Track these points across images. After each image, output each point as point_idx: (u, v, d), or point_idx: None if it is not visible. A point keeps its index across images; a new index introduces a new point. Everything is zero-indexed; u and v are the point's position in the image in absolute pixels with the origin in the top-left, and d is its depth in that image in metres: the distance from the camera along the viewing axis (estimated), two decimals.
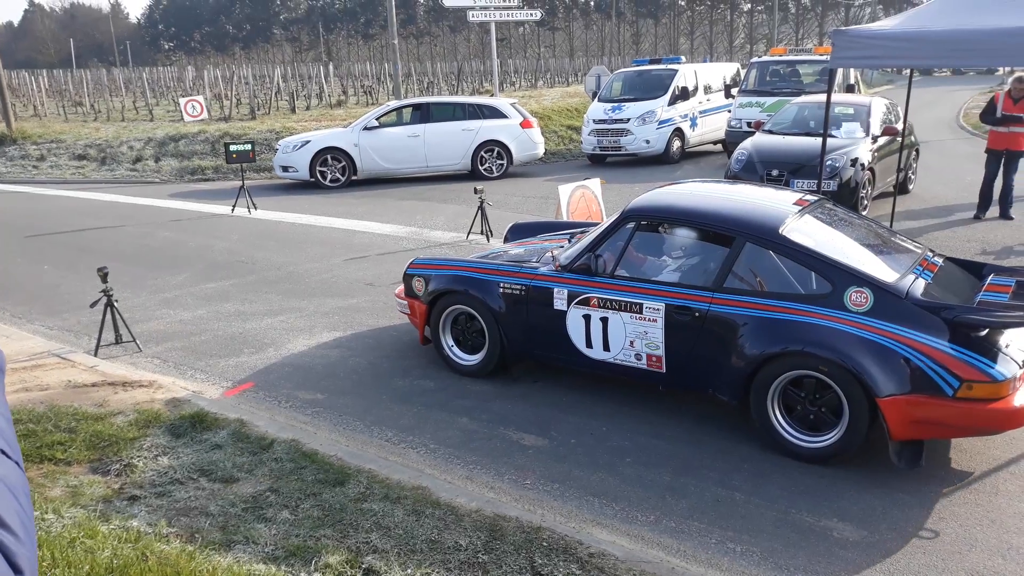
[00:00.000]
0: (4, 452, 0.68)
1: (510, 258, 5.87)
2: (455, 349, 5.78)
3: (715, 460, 4.38)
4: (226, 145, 12.69)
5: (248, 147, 12.54)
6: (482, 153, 15.11)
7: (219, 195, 14.39)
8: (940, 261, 4.89)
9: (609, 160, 17.21)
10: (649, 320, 4.72)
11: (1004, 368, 3.88)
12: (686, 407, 5.01)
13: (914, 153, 12.20)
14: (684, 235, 5.04)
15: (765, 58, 17.58)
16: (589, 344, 5.02)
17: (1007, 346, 4.04)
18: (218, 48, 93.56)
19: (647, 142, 16.29)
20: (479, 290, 5.45)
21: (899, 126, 10.93)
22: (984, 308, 4.11)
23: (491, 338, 5.50)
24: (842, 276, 4.25)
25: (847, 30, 7.04)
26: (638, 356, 4.83)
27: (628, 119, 16.33)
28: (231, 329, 6.95)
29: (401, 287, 6.08)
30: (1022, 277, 4.67)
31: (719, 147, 17.80)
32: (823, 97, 8.70)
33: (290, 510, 3.76)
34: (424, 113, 15.16)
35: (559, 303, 5.10)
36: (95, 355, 6.26)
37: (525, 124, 15.43)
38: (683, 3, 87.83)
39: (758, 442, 4.51)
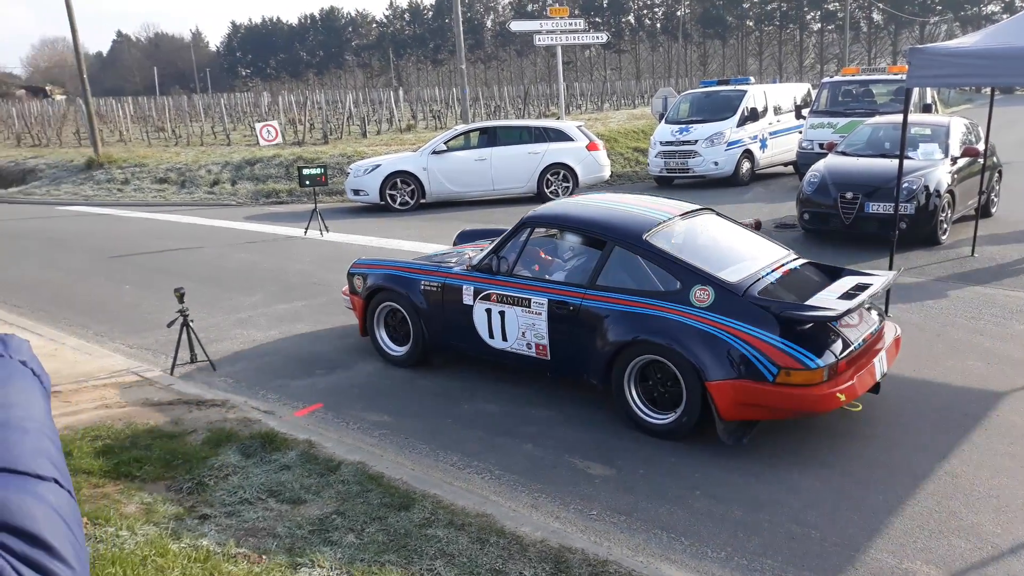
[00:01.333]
0: (57, 481, 0.68)
1: (438, 259, 6.63)
2: (387, 340, 6.60)
3: (788, 496, 4.24)
4: (299, 169, 13.01)
5: (320, 171, 12.83)
6: (548, 176, 15.14)
7: (292, 217, 14.76)
8: (796, 265, 5.44)
9: (676, 182, 17.05)
10: (535, 313, 5.44)
11: (820, 358, 4.46)
12: (756, 442, 4.87)
13: (996, 175, 11.72)
14: (569, 239, 5.91)
15: (837, 78, 17.20)
16: (491, 335, 5.75)
17: (830, 339, 4.62)
18: (292, 74, 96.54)
19: (715, 164, 16.08)
20: (404, 287, 6.26)
21: (980, 146, 10.52)
22: (803, 306, 4.69)
23: (415, 330, 6.28)
24: (690, 276, 4.91)
25: (924, 48, 6.82)
26: (528, 345, 5.54)
27: (696, 140, 16.16)
28: (302, 350, 7.07)
29: (347, 286, 6.88)
30: (865, 279, 5.18)
31: (790, 169, 17.46)
32: (898, 118, 8.43)
33: (355, 534, 3.78)
34: (491, 137, 15.29)
35: (467, 299, 5.84)
36: (171, 374, 6.44)
37: (591, 146, 15.42)
38: (751, 24, 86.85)
39: (832, 482, 4.35)
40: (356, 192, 15.16)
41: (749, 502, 4.18)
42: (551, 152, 15.09)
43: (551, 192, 15.10)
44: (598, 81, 62.29)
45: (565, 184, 15.18)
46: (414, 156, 15.25)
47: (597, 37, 25.27)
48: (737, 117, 16.30)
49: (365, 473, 4.42)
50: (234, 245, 12.33)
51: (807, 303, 4.76)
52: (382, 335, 6.61)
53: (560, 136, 15.34)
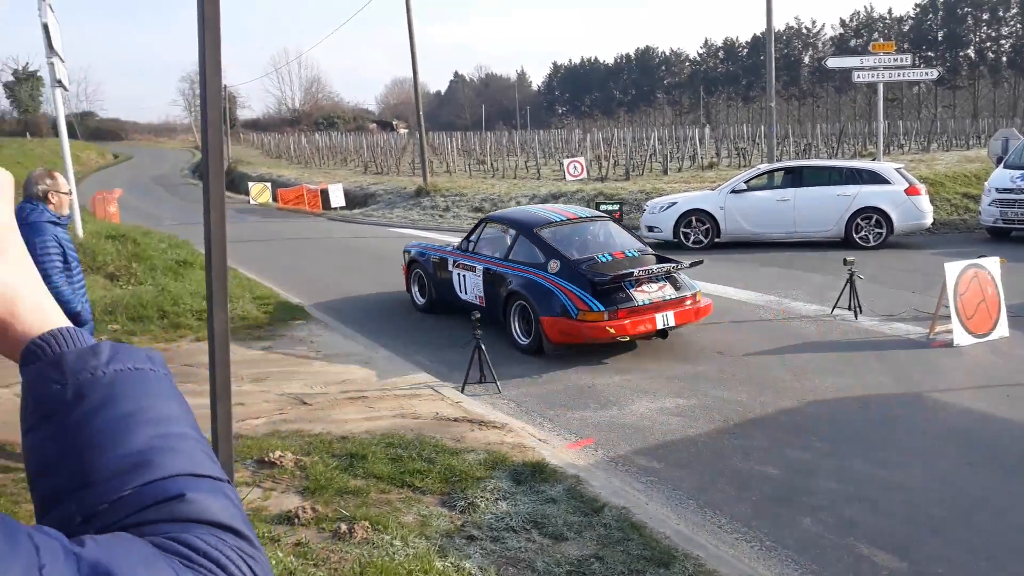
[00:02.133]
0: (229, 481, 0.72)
1: (445, 243, 10.75)
2: (416, 294, 10.23)
3: None
4: (596, 204, 13.38)
5: (616, 207, 13.12)
6: (858, 220, 13.97)
7: None
8: (635, 253, 8.31)
9: (1014, 235, 14.82)
10: (478, 275, 8.80)
11: (604, 306, 7.37)
12: None
13: None
14: (502, 230, 9.17)
15: None
16: (461, 290, 9.18)
17: (619, 296, 7.49)
18: (605, 112, 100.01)
19: None
20: (423, 259, 9.98)
21: None
22: (602, 275, 7.56)
23: (428, 287, 9.95)
24: (550, 254, 8.03)
25: None
26: (476, 297, 8.89)
27: None
28: (581, 382, 7.20)
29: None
30: (670, 264, 7.98)
31: None
32: None
33: None
34: (796, 177, 14.52)
35: (450, 267, 9.35)
36: (461, 391, 6.89)
37: (911, 191, 13.96)
38: None
39: None
40: (650, 229, 15.19)
41: None
42: (863, 195, 13.92)
43: (860, 238, 13.91)
44: (926, 119, 56.58)
45: (878, 230, 13.91)
46: (712, 195, 14.95)
47: (926, 73, 23.01)
48: None
49: (628, 520, 4.34)
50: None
51: (610, 274, 7.60)
52: (414, 290, 10.27)
53: (875, 178, 14.11)
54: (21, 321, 0.69)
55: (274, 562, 3.60)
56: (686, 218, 14.68)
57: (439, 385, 7.10)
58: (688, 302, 7.93)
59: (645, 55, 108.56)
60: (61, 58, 11.25)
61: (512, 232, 8.76)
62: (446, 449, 5.28)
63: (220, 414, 1.94)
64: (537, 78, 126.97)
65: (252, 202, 31.11)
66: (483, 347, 6.96)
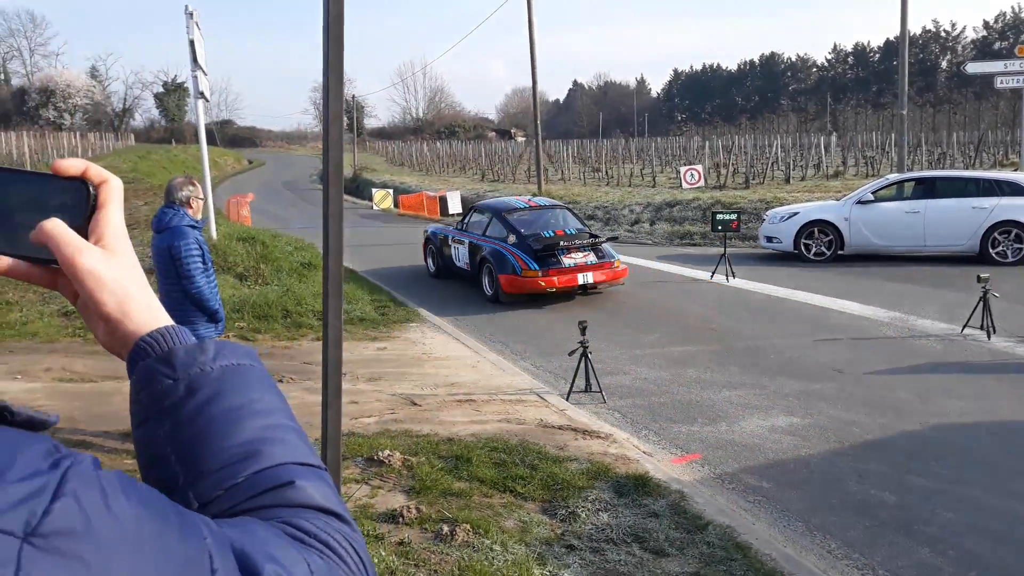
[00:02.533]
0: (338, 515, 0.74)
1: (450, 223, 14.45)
2: (429, 265, 13.92)
3: None
4: (713, 214, 13.10)
5: (734, 216, 12.77)
6: (995, 235, 13.07)
7: (702, 260, 14.89)
8: (573, 231, 11.40)
9: None
10: (465, 248, 12.16)
11: (540, 266, 10.66)
12: None
13: None
14: (483, 214, 12.28)
15: None
16: (456, 260, 12.54)
17: (551, 260, 10.75)
18: (725, 119, 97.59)
19: None
20: (434, 236, 13.66)
21: None
22: (540, 246, 10.82)
23: (436, 259, 13.53)
24: (511, 231, 11.27)
25: None
26: (465, 265, 12.23)
27: None
28: (689, 395, 7.09)
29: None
30: (593, 238, 11.30)
31: None
32: None
33: None
34: (928, 188, 13.75)
35: (450, 242, 12.76)
36: (566, 399, 6.92)
37: None
38: None
39: None
40: (769, 239, 14.76)
41: None
42: (1002, 208, 13.01)
43: (997, 253, 13.02)
44: None
45: (1017, 245, 12.96)
46: (836, 205, 14.36)
47: None
48: None
49: (733, 539, 4.25)
50: (643, 283, 12.84)
51: (543, 244, 10.83)
52: (428, 261, 14.03)
53: (1016, 190, 13.16)
54: (132, 319, 0.73)
55: (376, 560, 3.74)
56: (808, 229, 14.17)
57: (544, 392, 7.16)
58: (607, 267, 11.05)
59: (770, 61, 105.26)
60: (204, 71, 12.04)
61: (488, 215, 12.15)
62: (549, 456, 5.32)
63: (330, 417, 2.05)
64: (656, 85, 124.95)
65: (375, 207, 32.17)
66: (590, 356, 6.97)
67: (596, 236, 11.43)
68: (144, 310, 0.74)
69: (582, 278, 10.79)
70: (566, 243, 10.90)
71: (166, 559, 0.52)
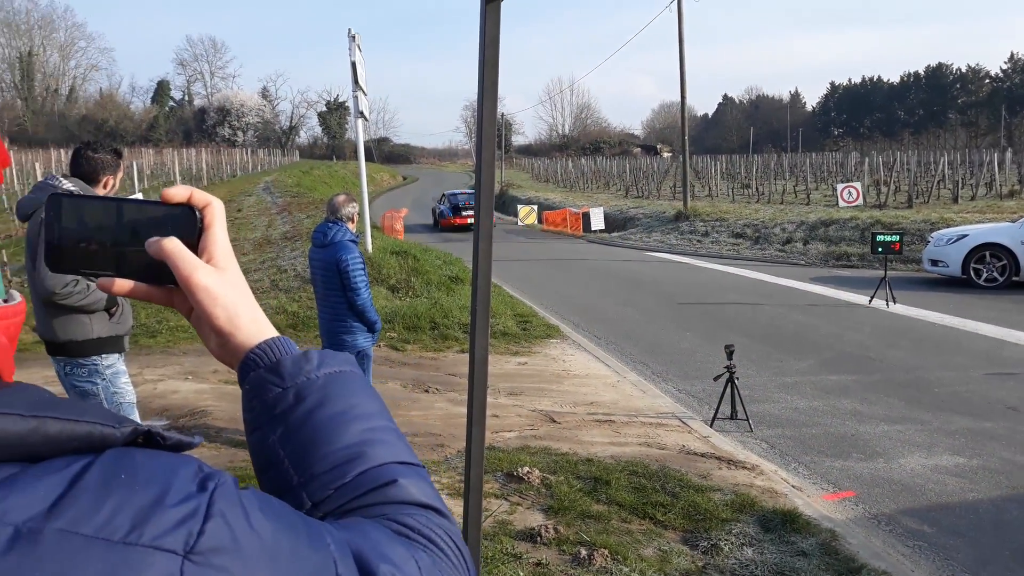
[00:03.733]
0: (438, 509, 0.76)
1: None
2: (433, 224, 32.63)
3: None
4: (873, 235, 12.38)
5: (896, 238, 12.00)
6: None
7: (858, 283, 14.10)
8: None
9: None
10: (438, 214, 32.73)
11: (453, 215, 31.59)
12: None
13: None
14: (446, 196, 32.81)
15: None
16: (440, 218, 31.90)
17: (463, 212, 31.17)
18: (886, 133, 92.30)
19: None
20: (435, 209, 33.40)
21: None
22: (454, 205, 31.67)
23: (436, 220, 32.52)
24: (452, 201, 31.79)
25: None
26: (439, 221, 32.23)
27: None
28: (843, 428, 6.69)
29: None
30: None
31: None
32: None
33: None
34: None
35: (438, 209, 32.93)
36: (710, 426, 6.70)
37: None
38: None
39: None
40: (934, 263, 13.79)
41: None
42: None
43: None
44: None
45: None
46: (1011, 227, 13.23)
47: None
48: None
49: None
50: (794, 306, 12.30)
51: (452, 204, 31.42)
52: (431, 222, 32.85)
53: None
54: (242, 332, 0.77)
55: None
56: (978, 252, 13.14)
57: (687, 416, 6.97)
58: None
59: (936, 72, 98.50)
60: (364, 91, 12.68)
61: (446, 195, 31.08)
62: (691, 485, 5.17)
63: (475, 435, 2.08)
64: (811, 99, 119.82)
65: (520, 223, 32.73)
66: (736, 381, 6.73)
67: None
68: (251, 323, 0.78)
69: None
70: (464, 202, 25.96)
71: (299, 568, 0.56)
